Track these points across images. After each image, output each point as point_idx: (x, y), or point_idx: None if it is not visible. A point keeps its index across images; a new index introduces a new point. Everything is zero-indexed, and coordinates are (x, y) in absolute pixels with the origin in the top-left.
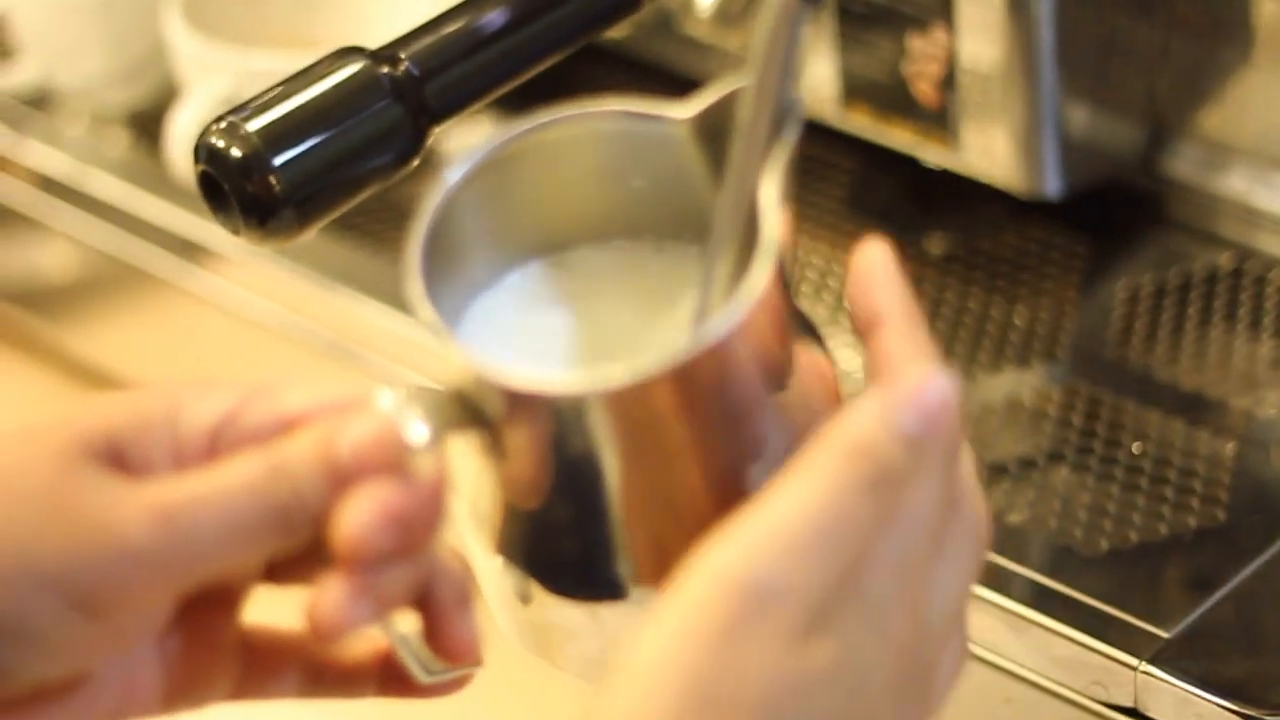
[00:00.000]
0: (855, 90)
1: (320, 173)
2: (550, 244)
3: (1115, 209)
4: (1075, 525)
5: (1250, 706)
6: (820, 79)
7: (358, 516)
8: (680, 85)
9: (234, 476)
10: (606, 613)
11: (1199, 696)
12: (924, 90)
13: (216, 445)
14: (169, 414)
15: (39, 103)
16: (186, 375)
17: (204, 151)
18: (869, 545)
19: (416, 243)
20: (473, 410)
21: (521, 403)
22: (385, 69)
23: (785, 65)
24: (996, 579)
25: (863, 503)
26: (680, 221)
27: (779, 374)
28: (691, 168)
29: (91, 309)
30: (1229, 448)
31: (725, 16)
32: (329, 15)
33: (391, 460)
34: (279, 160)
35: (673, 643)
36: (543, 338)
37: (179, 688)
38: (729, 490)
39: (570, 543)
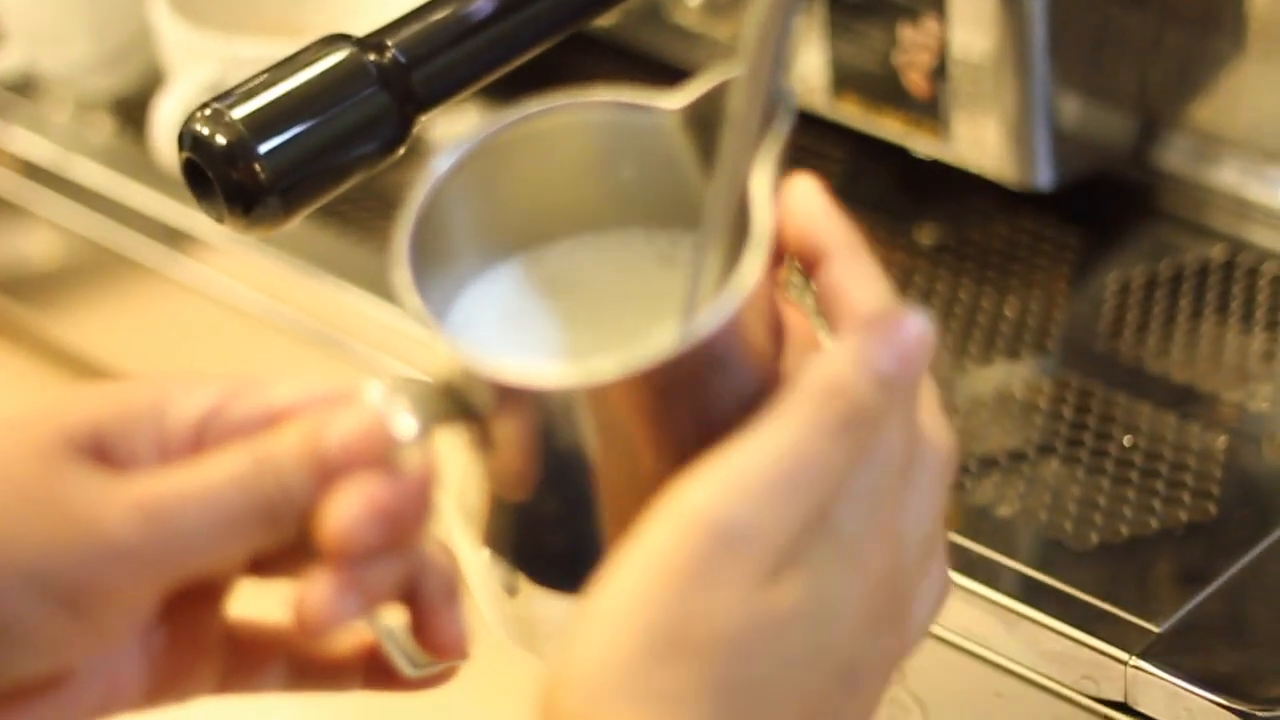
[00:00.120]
0: (846, 80)
1: (305, 160)
2: (539, 234)
3: (1107, 200)
4: (1066, 519)
5: (1240, 701)
6: (811, 69)
7: (345, 511)
8: (670, 74)
9: (220, 471)
10: None
11: (1189, 691)
12: (915, 80)
13: (202, 439)
14: (154, 407)
15: (23, 89)
16: (170, 363)
17: (188, 138)
18: (841, 485)
19: (404, 233)
20: (460, 403)
21: (510, 396)
22: (372, 56)
23: (777, 55)
24: (986, 572)
25: (835, 444)
26: (670, 212)
27: (770, 366)
28: (682, 158)
29: (75, 296)
30: (1220, 441)
31: (714, 6)
32: (316, 2)
33: (378, 454)
34: (264, 148)
35: (641, 585)
36: (530, 329)
37: (163, 683)
38: None
39: (557, 536)
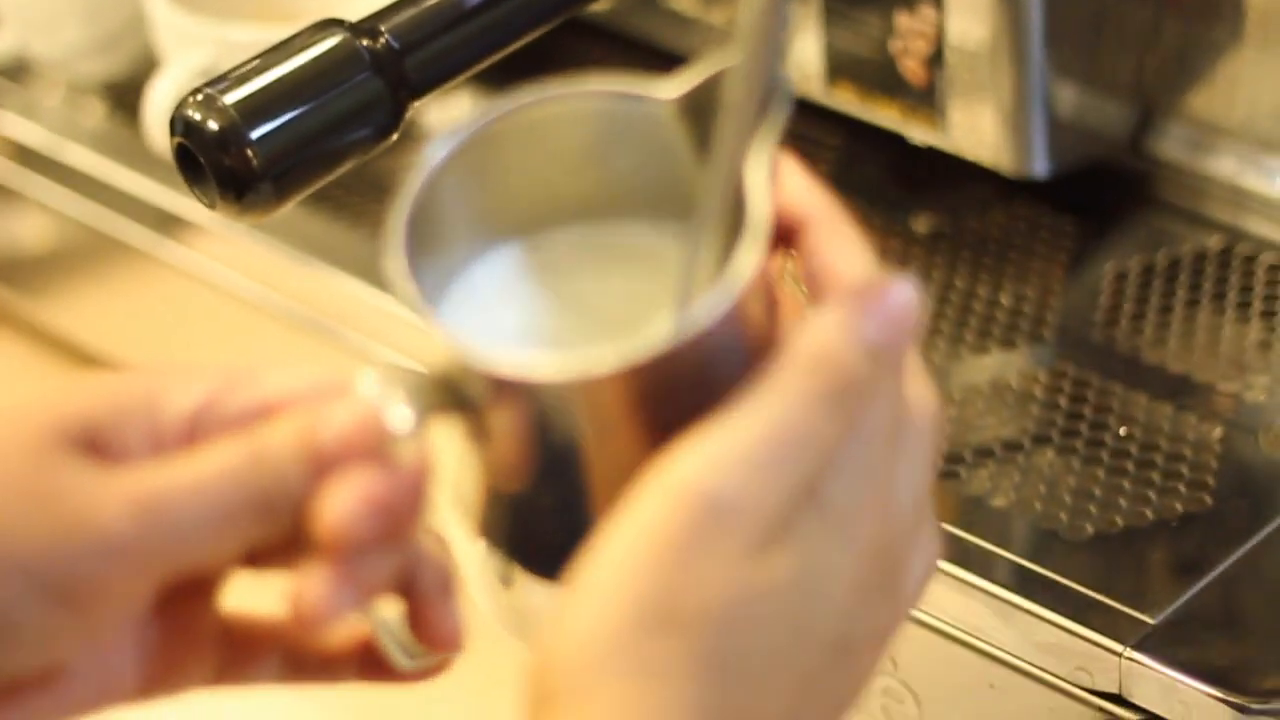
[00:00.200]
0: (842, 67)
1: (298, 146)
2: (534, 223)
3: (1103, 190)
4: (1061, 509)
5: (1235, 693)
6: (807, 56)
7: (341, 505)
8: (665, 59)
9: (214, 464)
10: None
11: (1184, 683)
12: (911, 68)
13: (196, 431)
14: (148, 399)
15: (15, 73)
16: (162, 348)
17: (180, 124)
18: (830, 456)
19: (398, 221)
20: (455, 394)
21: (505, 388)
22: (365, 42)
23: (773, 43)
24: (981, 563)
25: (824, 415)
26: (666, 201)
27: (766, 353)
28: (678, 147)
29: (67, 282)
30: (1216, 432)
31: None
32: None
33: (374, 446)
34: (256, 134)
35: (630, 558)
36: (525, 317)
37: (157, 676)
38: None
39: (553, 526)
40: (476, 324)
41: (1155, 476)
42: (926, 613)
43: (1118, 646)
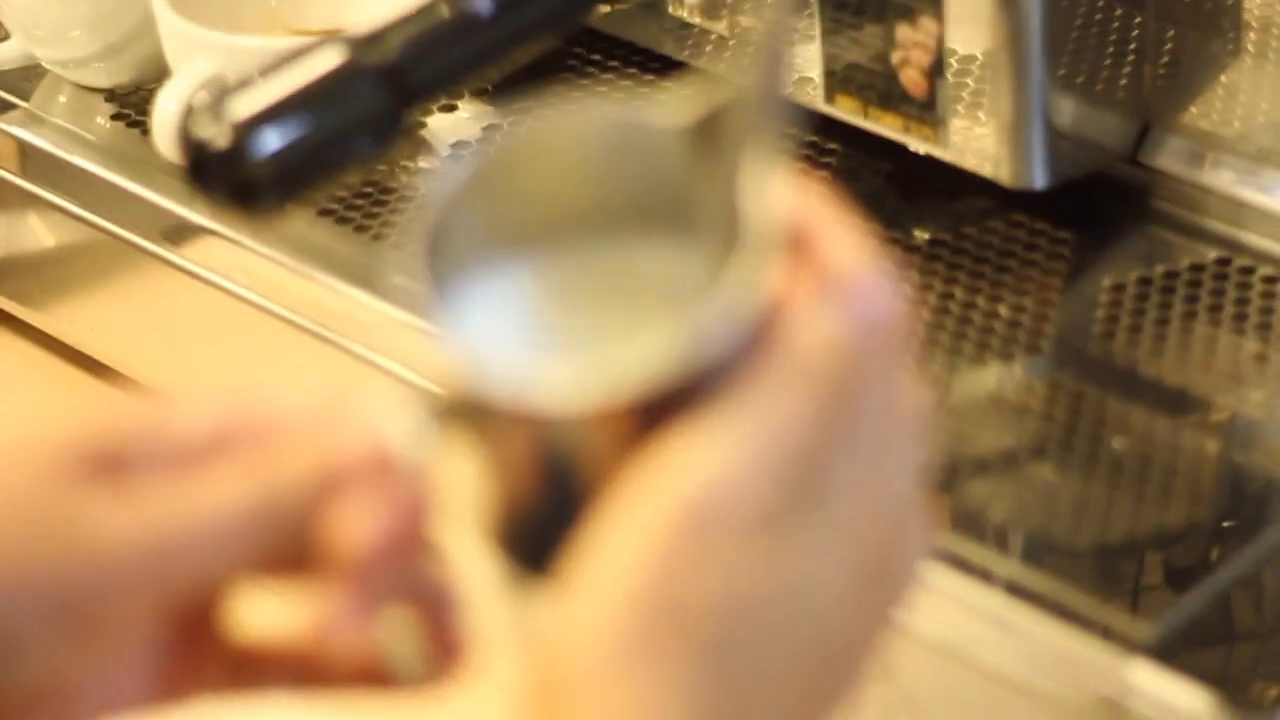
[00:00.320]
0: (843, 78)
1: (302, 159)
2: (544, 241)
3: (1102, 201)
4: (1057, 521)
5: (1234, 704)
6: (808, 66)
7: (359, 531)
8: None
9: (227, 495)
10: None
11: (1182, 694)
12: (912, 79)
13: (209, 453)
14: (162, 422)
15: (22, 79)
16: (166, 353)
17: (189, 137)
18: (824, 457)
19: (421, 249)
20: (467, 413)
21: (517, 410)
22: (368, 56)
23: (780, 61)
24: (978, 575)
25: (817, 418)
26: (675, 219)
27: (764, 356)
28: (687, 166)
29: (72, 287)
30: (1213, 444)
31: (713, 2)
32: None
33: (386, 468)
34: (262, 148)
35: (631, 557)
36: (534, 336)
37: (164, 689)
38: None
39: (563, 541)
40: (485, 342)
41: (1152, 488)
42: (924, 625)
43: (1116, 658)
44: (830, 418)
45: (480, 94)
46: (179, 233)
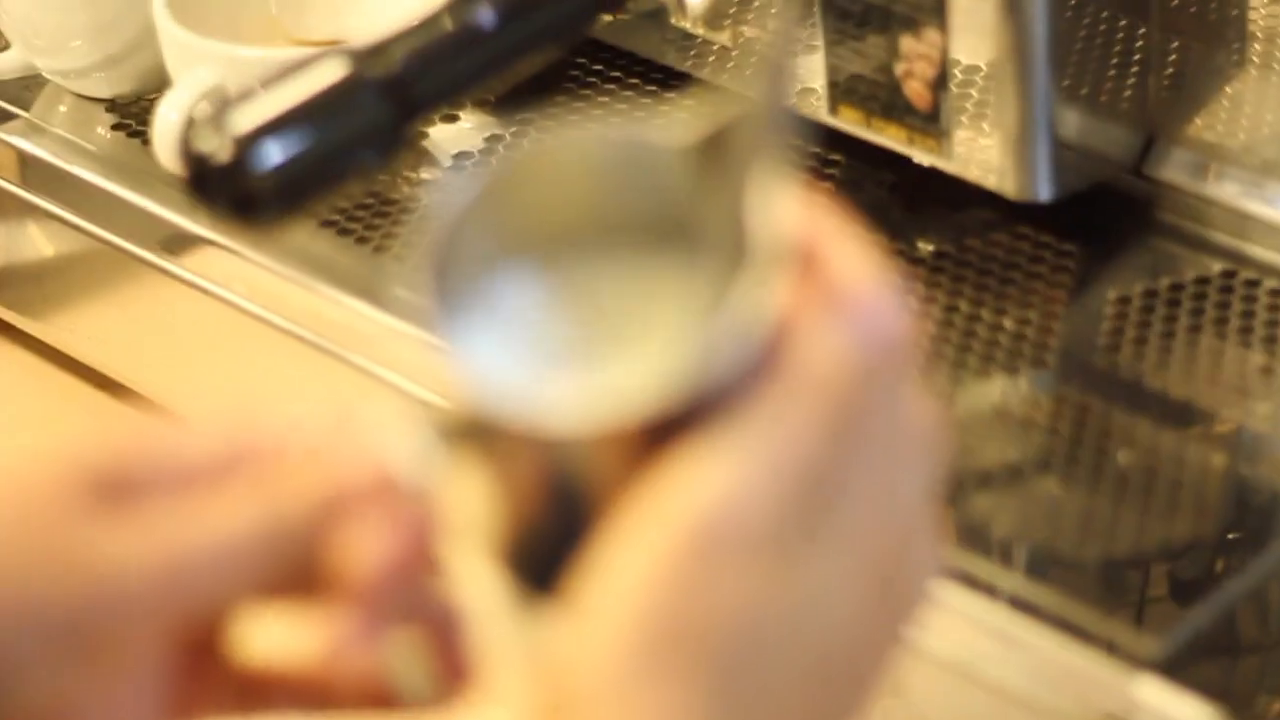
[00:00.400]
0: (847, 90)
1: (305, 173)
2: (549, 260)
3: (1107, 214)
4: (1062, 535)
5: (1238, 717)
6: (811, 77)
7: (366, 553)
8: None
9: (232, 516)
10: None
11: (1189, 709)
12: (916, 90)
13: (215, 476)
14: (166, 444)
15: (22, 88)
16: (166, 364)
17: (190, 149)
18: (833, 476)
19: (429, 274)
20: (473, 432)
21: (523, 429)
22: (371, 68)
23: (785, 78)
24: (983, 590)
25: (826, 437)
26: (681, 237)
27: (771, 373)
28: (693, 184)
29: (71, 297)
30: (1219, 457)
31: (716, 11)
32: (314, 7)
33: (393, 489)
34: (264, 163)
35: (639, 578)
36: (540, 354)
37: (170, 711)
38: None
39: (571, 563)
40: (493, 363)
41: (1158, 502)
42: (928, 641)
43: (1121, 673)
44: (838, 436)
45: (482, 104)
46: (179, 243)
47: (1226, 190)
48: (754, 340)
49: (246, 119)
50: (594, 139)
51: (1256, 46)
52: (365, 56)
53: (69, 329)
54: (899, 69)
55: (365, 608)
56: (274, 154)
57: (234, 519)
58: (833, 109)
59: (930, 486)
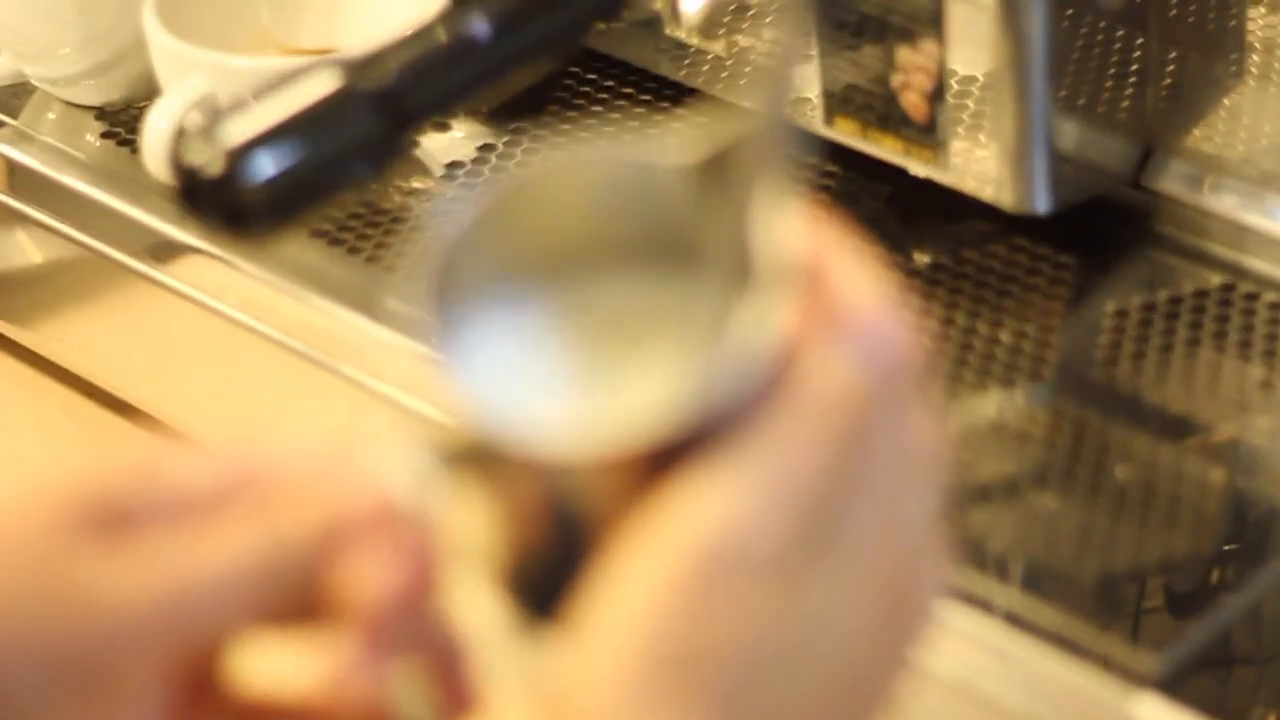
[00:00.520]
0: (843, 101)
1: (297, 185)
2: (551, 282)
3: (1104, 226)
4: (1059, 550)
5: None
6: (809, 90)
7: (368, 583)
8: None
9: (232, 547)
10: None
11: None
12: (913, 102)
13: (213, 506)
14: (163, 474)
15: (11, 96)
16: (156, 374)
17: (181, 161)
18: (838, 498)
19: (428, 290)
20: (474, 457)
21: (525, 454)
22: (364, 80)
23: (786, 97)
24: (978, 605)
25: (831, 458)
26: (684, 259)
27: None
28: (696, 205)
29: (61, 306)
30: (1217, 471)
31: (711, 21)
32: (305, 17)
33: (393, 517)
34: (256, 176)
35: (643, 602)
36: (542, 377)
37: None
38: None
39: (573, 589)
40: (495, 387)
41: (1156, 517)
42: (924, 657)
43: (1118, 690)
44: (843, 459)
45: (475, 113)
46: (168, 252)
47: (1225, 202)
48: (758, 362)
49: (238, 131)
50: (595, 159)
51: (1255, 57)
52: (358, 68)
53: (58, 338)
54: (895, 80)
55: (367, 636)
56: (266, 167)
57: (234, 548)
58: (828, 120)
59: (936, 507)
